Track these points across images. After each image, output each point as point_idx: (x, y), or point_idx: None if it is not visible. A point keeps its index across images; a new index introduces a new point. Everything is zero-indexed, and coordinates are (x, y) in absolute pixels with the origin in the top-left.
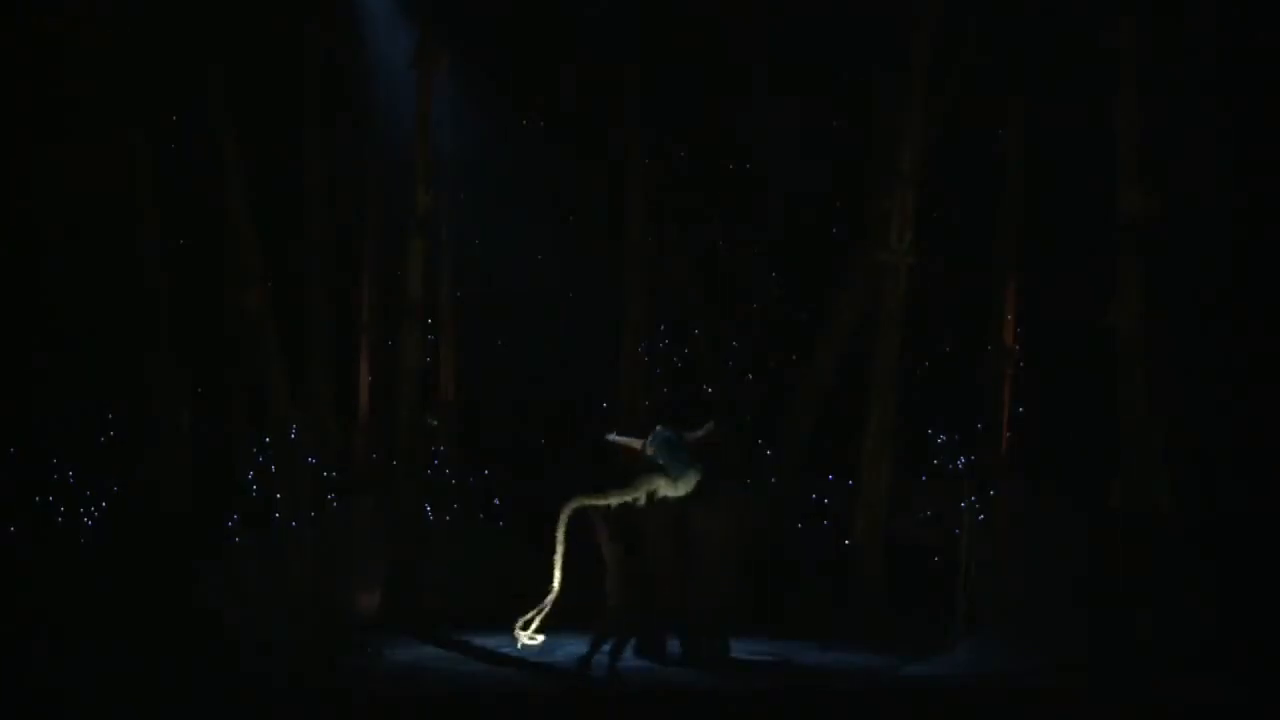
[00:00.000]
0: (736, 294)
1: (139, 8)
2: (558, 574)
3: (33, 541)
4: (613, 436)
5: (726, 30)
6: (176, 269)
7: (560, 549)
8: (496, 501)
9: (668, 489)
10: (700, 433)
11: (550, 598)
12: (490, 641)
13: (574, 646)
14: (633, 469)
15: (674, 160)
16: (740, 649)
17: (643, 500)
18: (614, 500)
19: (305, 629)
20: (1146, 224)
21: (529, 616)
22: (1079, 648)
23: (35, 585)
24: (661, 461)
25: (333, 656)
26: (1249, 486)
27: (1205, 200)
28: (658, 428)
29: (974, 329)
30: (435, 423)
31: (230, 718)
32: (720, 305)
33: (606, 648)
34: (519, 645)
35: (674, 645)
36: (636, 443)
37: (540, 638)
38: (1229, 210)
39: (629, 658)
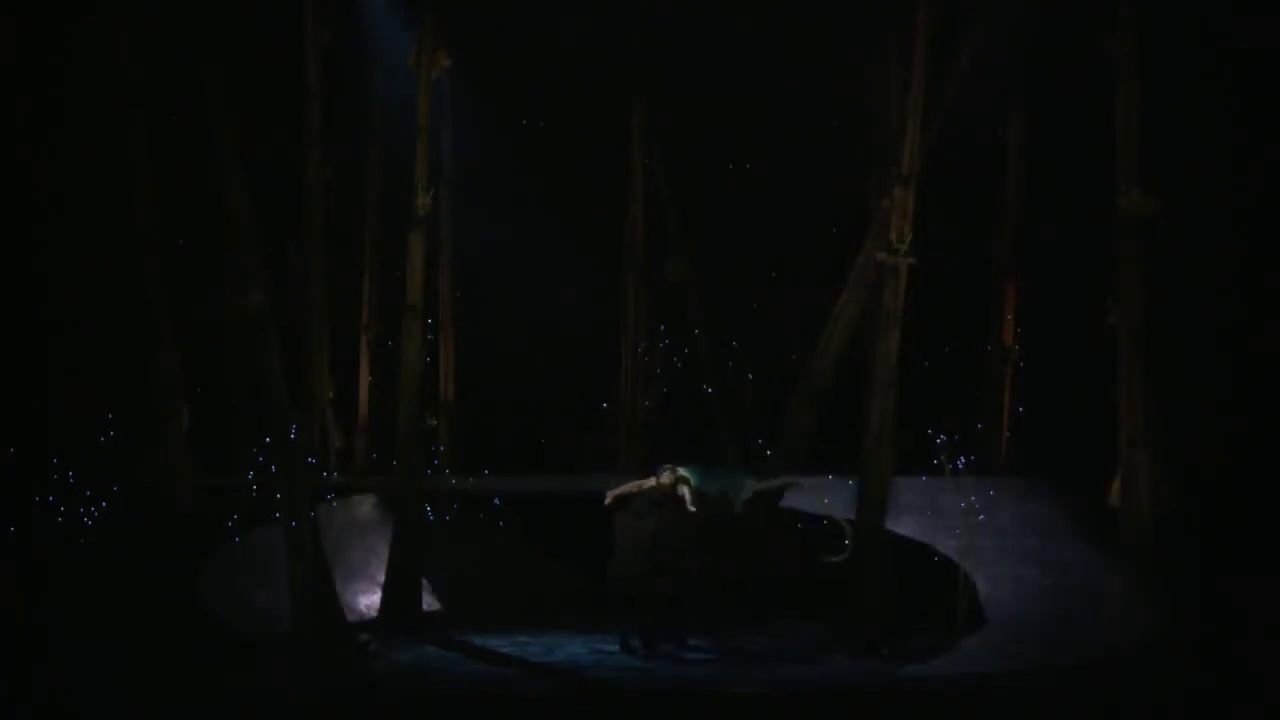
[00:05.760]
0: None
1: (139, 8)
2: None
3: (33, 541)
4: (613, 492)
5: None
6: (176, 269)
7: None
8: (496, 502)
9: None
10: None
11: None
12: (490, 641)
13: (573, 647)
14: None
15: (674, 160)
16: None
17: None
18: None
19: (305, 629)
20: (1146, 224)
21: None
22: (1078, 648)
23: (35, 585)
24: (720, 490)
25: (333, 656)
26: (1249, 486)
27: (1205, 200)
28: (673, 468)
29: (974, 329)
30: (435, 423)
31: (230, 718)
32: (720, 306)
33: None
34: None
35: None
36: (647, 482)
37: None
38: (1229, 210)
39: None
